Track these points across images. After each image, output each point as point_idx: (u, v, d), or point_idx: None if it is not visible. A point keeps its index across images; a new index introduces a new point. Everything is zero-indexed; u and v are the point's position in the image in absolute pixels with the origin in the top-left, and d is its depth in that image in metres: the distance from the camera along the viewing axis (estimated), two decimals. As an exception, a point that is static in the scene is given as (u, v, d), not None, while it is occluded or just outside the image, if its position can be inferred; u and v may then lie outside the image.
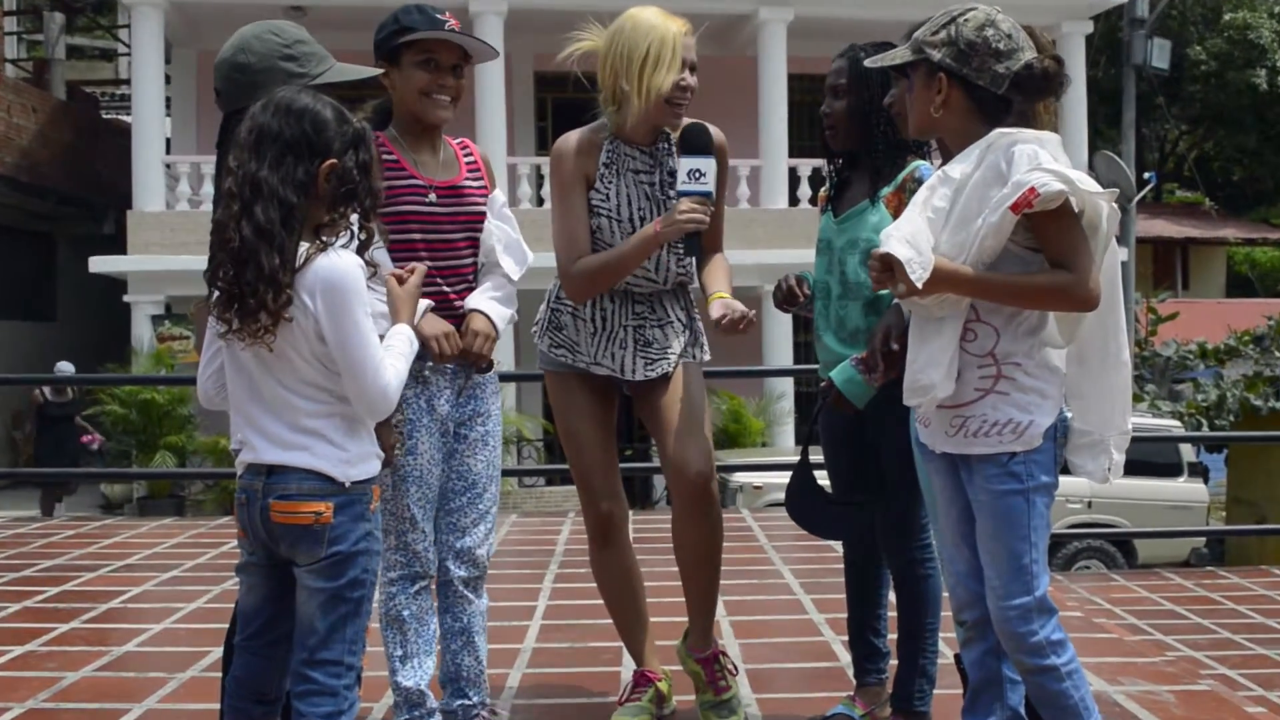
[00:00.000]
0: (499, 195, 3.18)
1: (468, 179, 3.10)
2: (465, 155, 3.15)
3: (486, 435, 3.11)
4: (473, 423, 3.09)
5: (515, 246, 3.16)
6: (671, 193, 3.15)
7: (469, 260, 3.08)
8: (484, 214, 3.10)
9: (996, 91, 2.52)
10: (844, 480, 3.31)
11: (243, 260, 2.29)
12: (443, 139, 3.11)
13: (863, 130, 3.16)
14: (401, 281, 2.61)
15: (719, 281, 3.23)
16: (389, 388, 2.39)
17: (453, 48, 3.00)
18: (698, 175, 3.05)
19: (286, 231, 2.30)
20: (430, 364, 2.97)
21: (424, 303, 2.94)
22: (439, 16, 2.98)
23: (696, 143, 3.10)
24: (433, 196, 3.01)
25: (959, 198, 2.50)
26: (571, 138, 3.18)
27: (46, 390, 14.02)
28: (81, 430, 14.29)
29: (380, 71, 2.94)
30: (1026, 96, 2.55)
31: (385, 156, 2.98)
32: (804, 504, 3.30)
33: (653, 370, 3.22)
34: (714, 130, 3.21)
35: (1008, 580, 2.49)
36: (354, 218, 2.40)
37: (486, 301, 3.07)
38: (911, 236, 2.48)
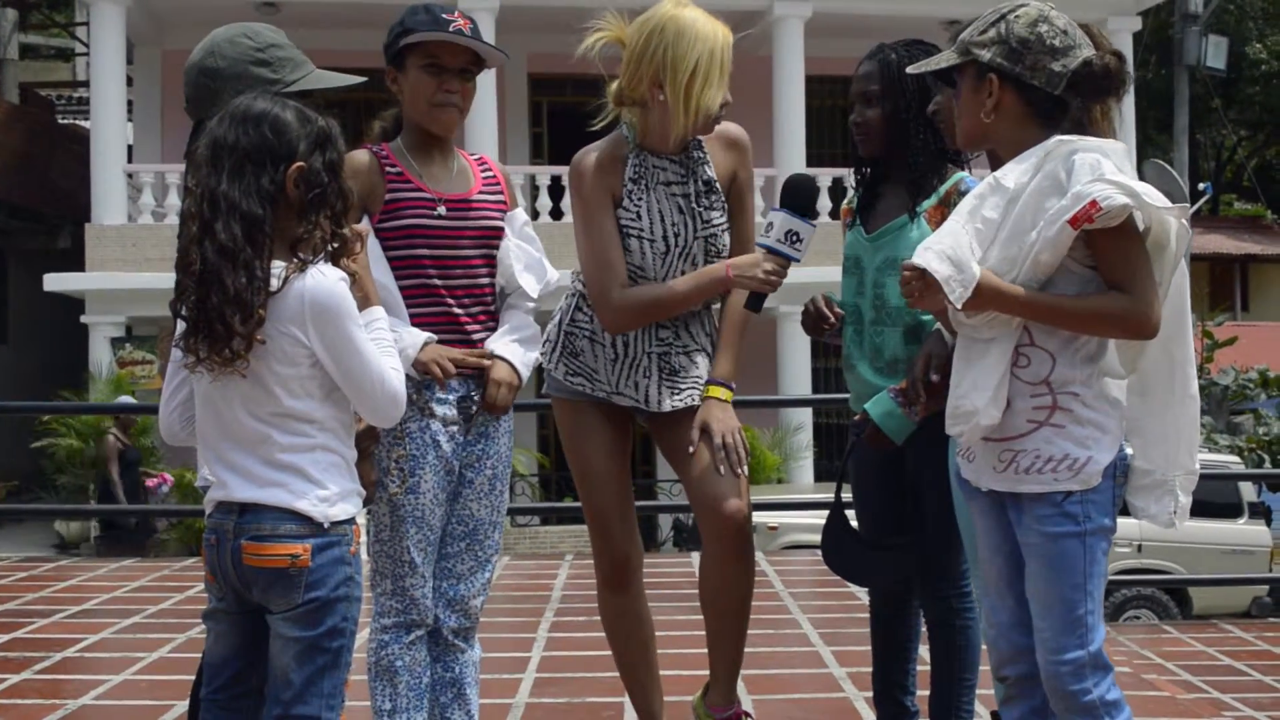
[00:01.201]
0: (520, 213, 3.18)
1: (483, 192, 3.10)
2: (483, 170, 3.15)
3: (494, 479, 3.10)
4: (480, 464, 3.08)
5: (537, 265, 3.15)
6: (702, 202, 3.16)
7: (486, 280, 3.08)
8: (500, 229, 3.10)
9: (1052, 92, 2.54)
10: (878, 522, 3.31)
11: (207, 284, 2.31)
12: (456, 151, 3.12)
13: (900, 139, 3.16)
14: (351, 252, 2.52)
15: (724, 353, 3.24)
16: (398, 394, 2.45)
17: (459, 50, 3.01)
18: (794, 239, 3.02)
19: (254, 248, 2.32)
20: (437, 396, 2.98)
21: (424, 335, 2.96)
22: (445, 16, 2.99)
23: (804, 201, 3.05)
24: (441, 209, 3.02)
25: (1012, 209, 2.50)
26: (590, 153, 3.18)
27: (121, 434, 14.09)
28: (145, 474, 14.21)
29: (363, 80, 2.95)
30: (1085, 97, 2.57)
31: (389, 169, 3.00)
32: (842, 550, 3.31)
33: (679, 401, 3.23)
34: (737, 129, 3.24)
35: (1060, 632, 2.49)
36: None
37: (509, 345, 3.07)
38: (951, 250, 2.48)
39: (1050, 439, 2.52)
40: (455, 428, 3.02)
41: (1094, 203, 2.38)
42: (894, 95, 3.15)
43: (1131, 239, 2.46)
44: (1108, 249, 2.46)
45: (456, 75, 3.01)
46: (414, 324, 2.98)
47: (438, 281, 3.01)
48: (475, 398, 3.03)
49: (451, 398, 3.00)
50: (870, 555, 3.28)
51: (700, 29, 3.03)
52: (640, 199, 3.15)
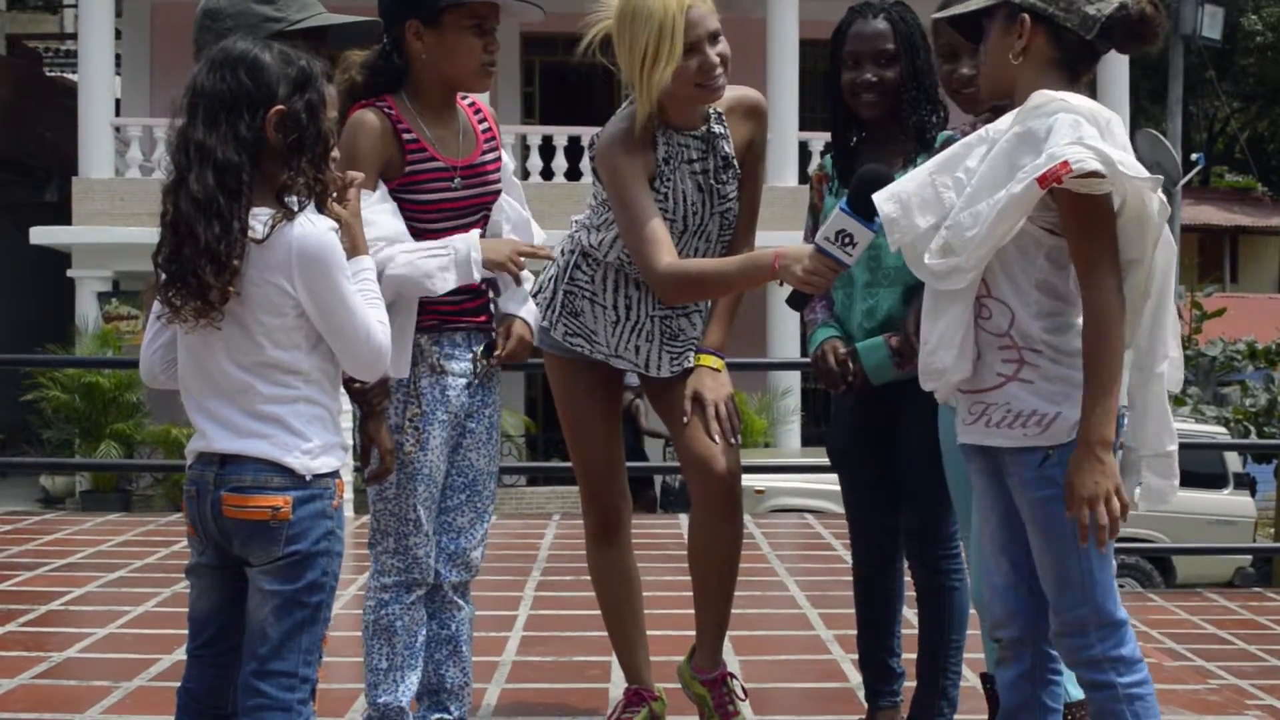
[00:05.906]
0: (508, 161, 3.14)
1: (486, 153, 3.04)
2: (480, 122, 3.08)
3: (491, 428, 3.10)
4: (480, 414, 3.07)
5: (524, 227, 3.13)
6: (720, 177, 3.13)
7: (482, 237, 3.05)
8: (500, 190, 3.07)
9: (1085, 36, 2.47)
10: (868, 487, 3.29)
11: (180, 235, 2.27)
12: (457, 103, 3.04)
13: (912, 99, 3.13)
14: (342, 199, 2.47)
15: (717, 323, 3.25)
16: (383, 347, 2.41)
17: (496, 8, 2.91)
18: (845, 240, 2.71)
19: (228, 197, 2.26)
20: (446, 351, 2.96)
21: (472, 235, 2.91)
22: None
23: (866, 200, 2.63)
24: (458, 181, 2.97)
25: (989, 158, 2.45)
26: (617, 132, 3.09)
27: None
28: None
29: (372, 20, 2.88)
30: (1117, 46, 2.50)
31: (405, 135, 2.91)
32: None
33: (679, 365, 3.23)
34: (755, 96, 3.22)
35: (1058, 591, 2.49)
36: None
37: (519, 306, 3.09)
38: (901, 193, 2.48)
39: (1019, 394, 2.48)
40: (464, 380, 3.01)
41: (1065, 164, 2.31)
42: (911, 54, 3.12)
43: (1100, 217, 2.38)
44: (1074, 223, 2.39)
45: (492, 32, 2.92)
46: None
47: None
48: (479, 351, 3.03)
49: (461, 352, 2.99)
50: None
51: (651, 7, 2.94)
52: (669, 180, 3.11)
